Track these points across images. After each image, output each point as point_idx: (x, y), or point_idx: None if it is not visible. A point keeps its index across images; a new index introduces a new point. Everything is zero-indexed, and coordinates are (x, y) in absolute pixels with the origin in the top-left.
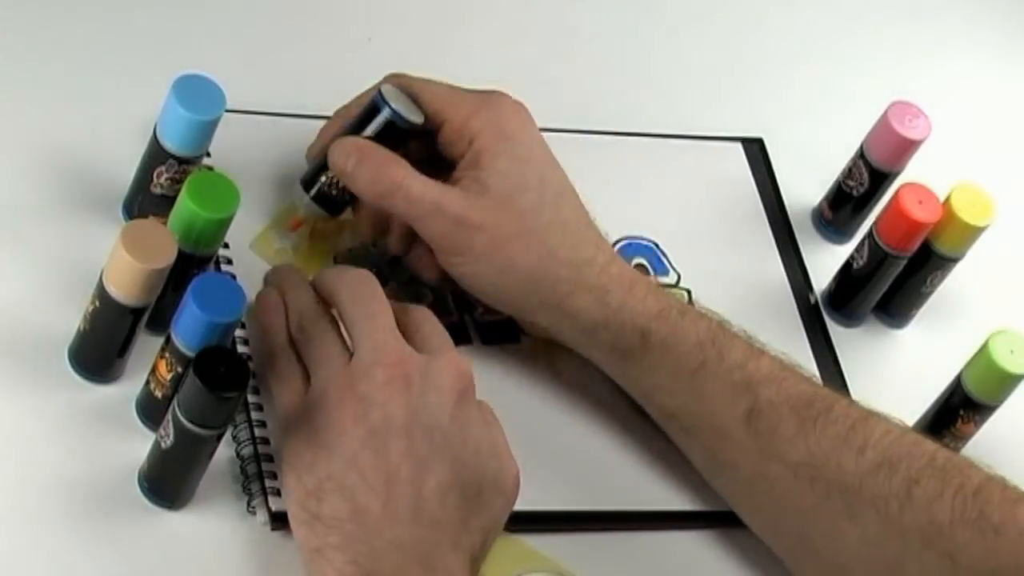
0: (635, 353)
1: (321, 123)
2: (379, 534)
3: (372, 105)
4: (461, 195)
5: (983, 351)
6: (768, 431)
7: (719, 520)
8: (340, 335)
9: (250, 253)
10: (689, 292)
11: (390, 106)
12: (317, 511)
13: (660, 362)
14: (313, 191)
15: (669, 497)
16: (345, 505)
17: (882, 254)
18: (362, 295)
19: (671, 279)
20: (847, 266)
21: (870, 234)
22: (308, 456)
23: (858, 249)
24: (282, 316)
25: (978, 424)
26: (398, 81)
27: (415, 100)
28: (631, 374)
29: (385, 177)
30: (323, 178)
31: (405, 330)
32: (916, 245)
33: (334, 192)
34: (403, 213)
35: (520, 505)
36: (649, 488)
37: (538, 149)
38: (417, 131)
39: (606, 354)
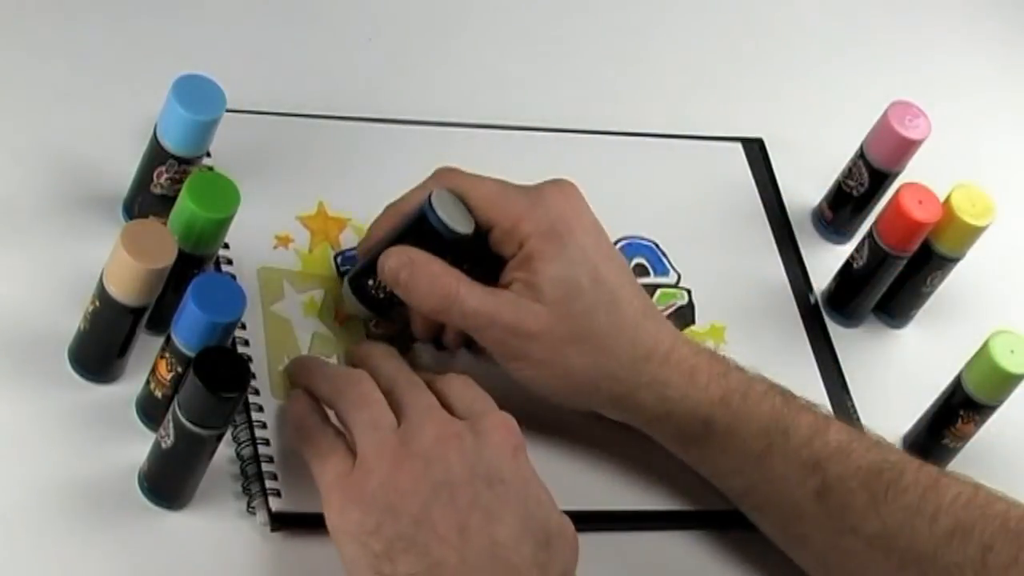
0: (700, 441)
1: (321, 123)
2: None
3: (420, 213)
4: (514, 303)
5: (983, 351)
6: (839, 506)
7: (719, 520)
8: (383, 398)
9: (254, 281)
10: (689, 292)
11: (437, 216)
12: (392, 573)
13: (726, 448)
14: (362, 294)
15: (669, 497)
16: (421, 561)
17: (882, 254)
18: (401, 367)
19: (671, 279)
20: (847, 266)
21: (870, 234)
22: (371, 522)
23: (858, 249)
24: (311, 402)
25: (978, 424)
26: (449, 178)
27: (464, 201)
28: (698, 459)
29: (439, 291)
30: (371, 282)
31: (446, 399)
32: (916, 245)
33: (382, 296)
34: (459, 325)
35: None
36: (648, 488)
37: (591, 245)
38: (470, 238)
39: (671, 442)
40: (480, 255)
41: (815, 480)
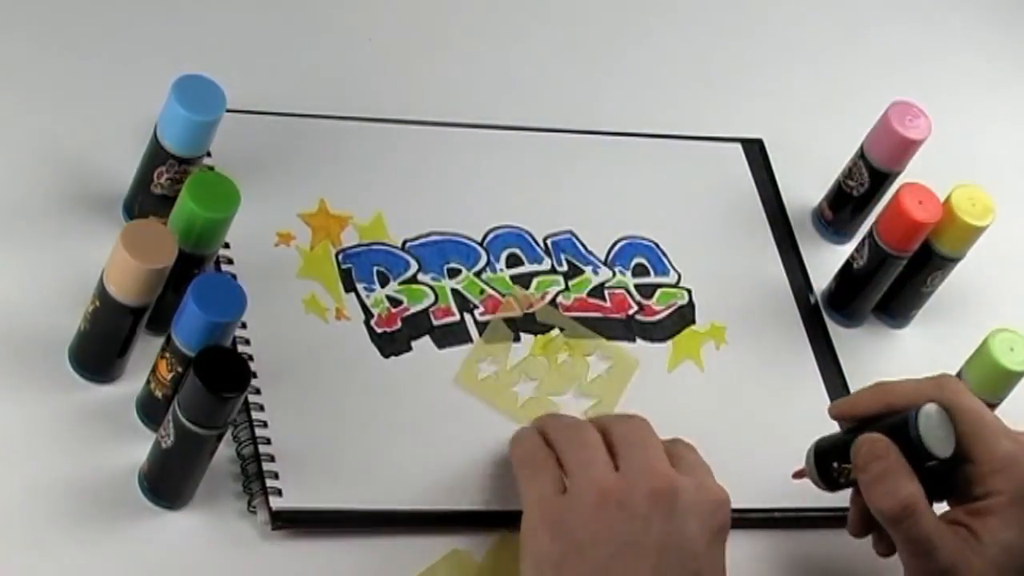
0: None
1: (321, 123)
2: None
3: (904, 419)
4: (959, 547)
5: (983, 349)
6: None
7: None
8: (604, 448)
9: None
10: (690, 291)
11: (923, 439)
12: None
13: None
14: (822, 467)
15: None
16: None
17: (882, 254)
18: (638, 426)
19: (671, 279)
20: (847, 266)
21: (870, 234)
22: (557, 552)
23: (858, 249)
24: (537, 434)
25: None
26: (947, 392)
27: (952, 418)
28: None
29: (899, 500)
30: (836, 464)
31: (670, 458)
32: (916, 245)
33: (842, 480)
34: (900, 539)
35: (518, 505)
36: None
37: None
38: (943, 463)
39: None
40: (940, 476)
41: None
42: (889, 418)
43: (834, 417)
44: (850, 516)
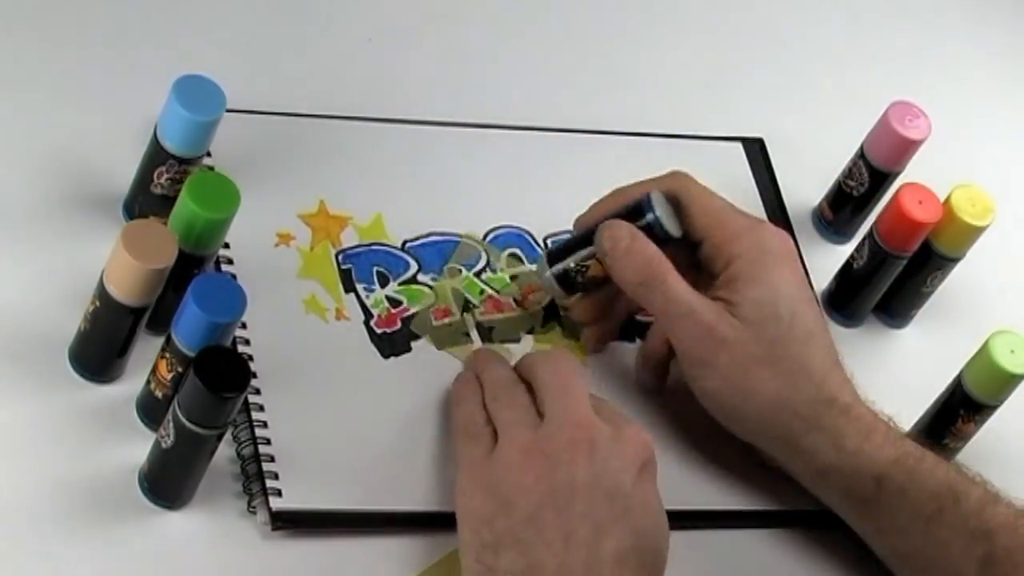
0: (869, 499)
1: (321, 123)
2: None
3: (637, 205)
4: (714, 308)
5: (983, 351)
6: None
7: (718, 520)
8: (533, 403)
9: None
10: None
11: (654, 212)
12: (493, 564)
13: (895, 508)
14: (557, 268)
15: (668, 497)
16: (521, 560)
17: (882, 254)
18: (562, 370)
19: None
20: (847, 266)
21: (870, 234)
22: (488, 510)
23: (858, 249)
24: (477, 389)
25: (978, 424)
26: (679, 181)
27: (685, 209)
28: (862, 516)
29: (650, 269)
30: (572, 260)
31: (594, 404)
32: (916, 245)
33: (578, 277)
34: (658, 308)
35: None
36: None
37: (795, 285)
38: (675, 240)
39: (838, 498)
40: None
41: (981, 549)
42: (622, 213)
43: (578, 229)
44: (582, 309)
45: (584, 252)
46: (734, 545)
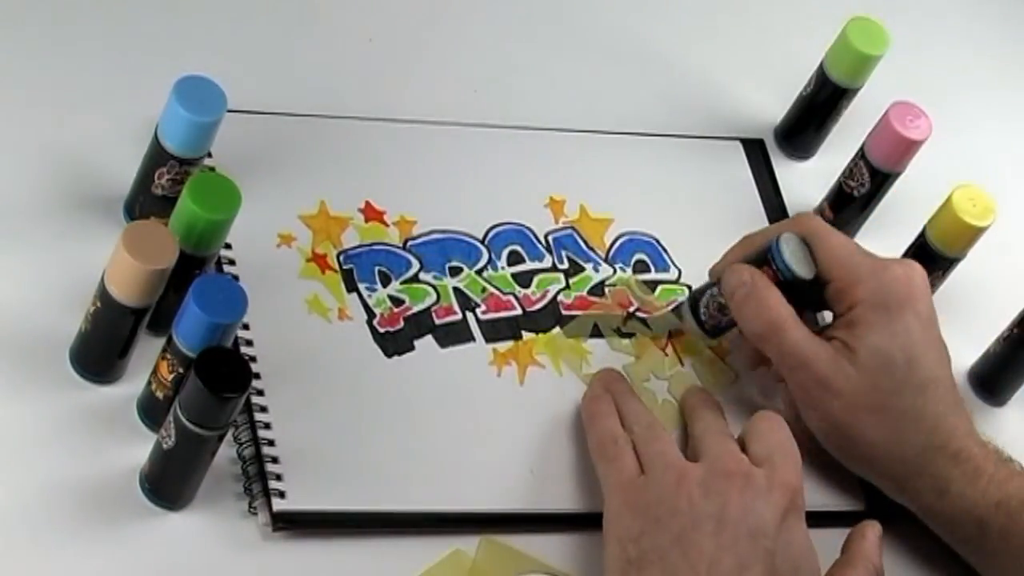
0: (971, 541)
1: (321, 123)
2: None
3: (766, 250)
4: (831, 356)
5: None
6: None
7: None
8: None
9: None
10: (690, 288)
11: (782, 256)
12: None
13: (997, 550)
14: (696, 313)
15: None
16: None
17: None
18: (707, 410)
19: (672, 275)
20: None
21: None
22: (637, 528)
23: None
24: (612, 407)
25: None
26: (807, 224)
27: (813, 251)
28: (968, 554)
29: (767, 318)
30: (705, 297)
31: (748, 437)
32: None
33: (709, 321)
34: (775, 356)
35: (519, 506)
36: None
37: (917, 329)
38: (808, 281)
39: (942, 533)
40: (810, 304)
41: None
42: (752, 257)
43: (712, 277)
44: (744, 352)
45: (712, 291)
46: None
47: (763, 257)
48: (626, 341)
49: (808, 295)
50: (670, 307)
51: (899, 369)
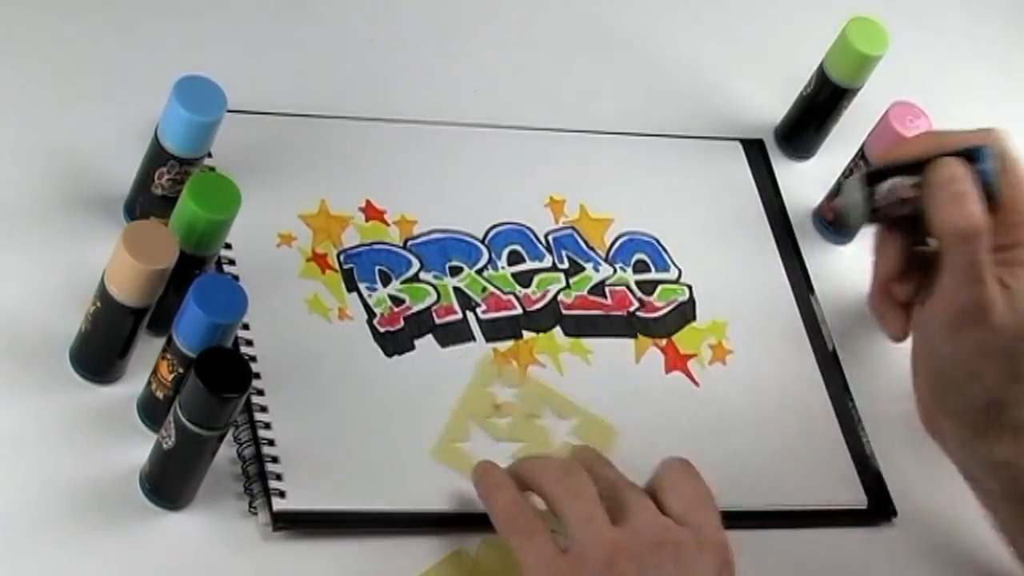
0: None
1: (321, 123)
2: None
3: (973, 152)
4: (996, 287)
5: (841, 37)
6: None
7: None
8: (596, 494)
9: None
10: (690, 288)
11: (991, 165)
12: None
13: None
14: (875, 187)
15: None
16: None
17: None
18: (606, 466)
19: (672, 275)
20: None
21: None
22: None
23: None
24: (505, 475)
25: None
26: (1002, 141)
27: (1004, 167)
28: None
29: (974, 221)
30: (890, 182)
31: (664, 495)
32: None
33: (889, 197)
34: (960, 265)
35: None
36: None
37: None
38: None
39: (1001, 489)
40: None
41: None
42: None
43: (886, 158)
44: (880, 261)
45: (904, 179)
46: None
47: (967, 157)
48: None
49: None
50: (849, 179)
51: None
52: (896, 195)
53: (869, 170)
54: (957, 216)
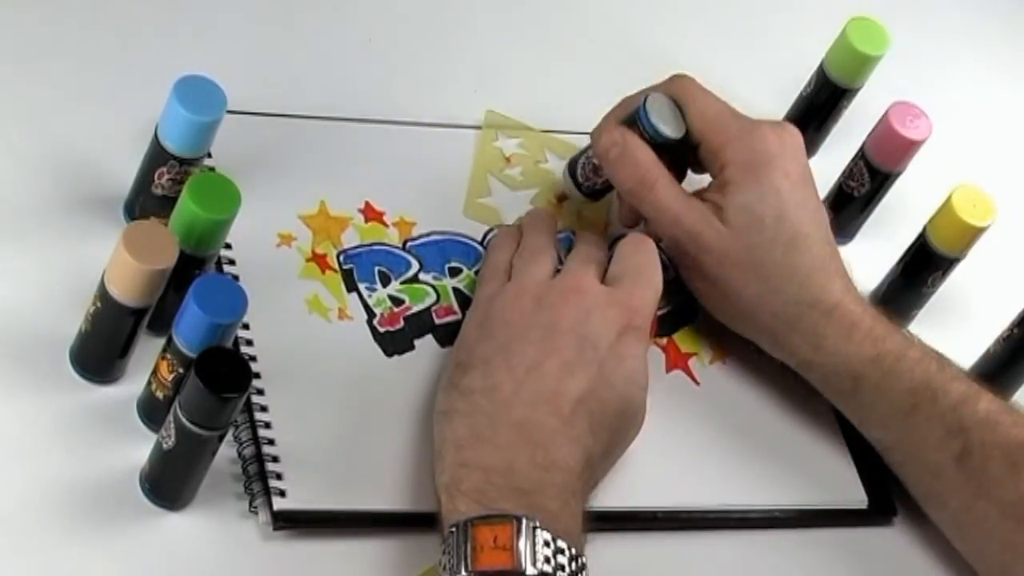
0: (847, 393)
1: (321, 124)
2: (504, 410)
3: (636, 111)
4: (701, 213)
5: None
6: (979, 472)
7: (718, 522)
8: (555, 265)
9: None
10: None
11: (648, 117)
12: (457, 381)
13: (872, 403)
14: (573, 175)
15: (667, 498)
16: (482, 381)
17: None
18: (586, 243)
19: (671, 275)
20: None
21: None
22: (472, 338)
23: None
24: (514, 243)
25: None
26: (680, 85)
27: (684, 112)
28: (845, 407)
29: (638, 175)
30: (582, 160)
31: (613, 257)
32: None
33: (586, 182)
34: (648, 214)
35: None
36: (647, 487)
37: (786, 188)
38: (677, 141)
39: (819, 386)
40: (687, 166)
41: (958, 444)
42: (625, 119)
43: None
44: (622, 210)
45: (590, 154)
46: (735, 547)
47: (631, 119)
48: None
49: (681, 156)
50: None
51: (768, 227)
52: (590, 168)
53: (571, 157)
54: (624, 176)
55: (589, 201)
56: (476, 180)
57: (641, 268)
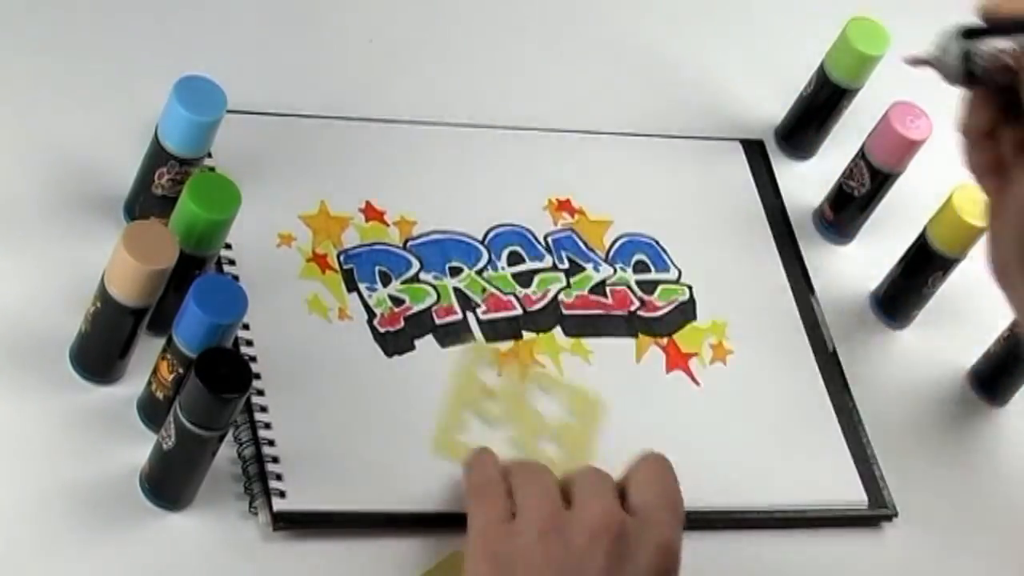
0: None
1: (321, 123)
2: None
3: None
4: None
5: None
6: None
7: (717, 522)
8: (558, 488)
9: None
10: (691, 288)
11: None
12: None
13: None
14: (967, 45)
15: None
16: None
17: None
18: (593, 474)
19: (672, 275)
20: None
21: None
22: (490, 573)
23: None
24: (497, 460)
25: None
26: None
27: None
28: None
29: None
30: (991, 43)
31: (628, 480)
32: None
33: (986, 60)
34: None
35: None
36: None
37: None
38: None
39: None
40: None
41: None
42: None
43: (990, 15)
44: (969, 115)
45: (1005, 44)
46: (736, 548)
47: None
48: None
49: None
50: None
51: None
52: (999, 61)
53: (968, 27)
54: None
55: (955, 81)
56: (450, 413)
57: (667, 495)
